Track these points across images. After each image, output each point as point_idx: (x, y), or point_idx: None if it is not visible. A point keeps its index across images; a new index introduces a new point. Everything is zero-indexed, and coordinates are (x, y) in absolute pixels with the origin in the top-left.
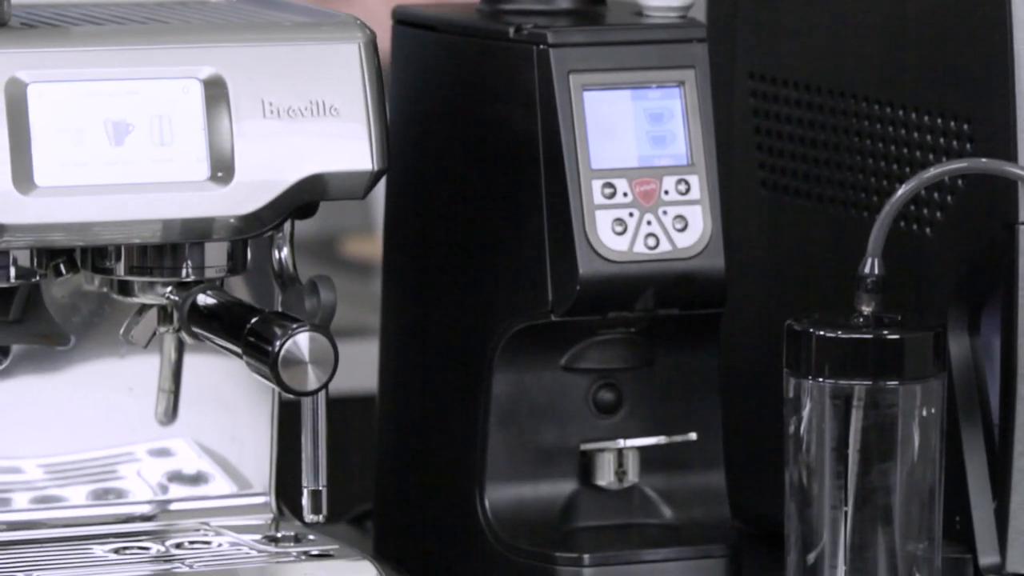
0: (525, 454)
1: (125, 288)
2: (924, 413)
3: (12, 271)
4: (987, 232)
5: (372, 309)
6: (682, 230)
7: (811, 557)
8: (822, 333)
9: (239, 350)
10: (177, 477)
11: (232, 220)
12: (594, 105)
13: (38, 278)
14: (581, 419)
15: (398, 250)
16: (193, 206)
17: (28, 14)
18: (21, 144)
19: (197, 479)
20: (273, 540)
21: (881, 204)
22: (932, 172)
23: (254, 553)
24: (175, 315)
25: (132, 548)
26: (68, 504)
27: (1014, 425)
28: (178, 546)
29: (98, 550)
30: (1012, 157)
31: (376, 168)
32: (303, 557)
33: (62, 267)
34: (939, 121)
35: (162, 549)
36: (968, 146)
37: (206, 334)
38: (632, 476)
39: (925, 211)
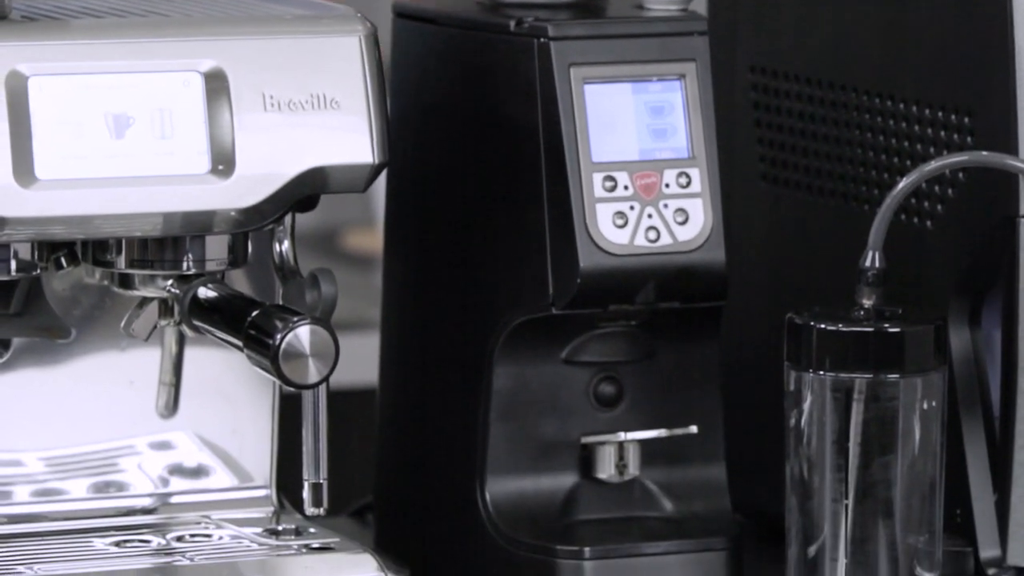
0: (526, 447)
1: (126, 281)
2: (925, 406)
3: (13, 264)
4: (988, 225)
5: (373, 302)
6: (683, 223)
7: (812, 550)
8: (823, 326)
9: (240, 343)
10: (178, 470)
11: (233, 213)
12: (595, 98)
13: (39, 271)
14: (582, 412)
15: (399, 243)
16: (194, 199)
17: (28, 7)
18: (22, 137)
19: (198, 472)
20: (274, 533)
21: (882, 197)
22: (933, 165)
23: (255, 546)
24: (176, 308)
25: (133, 541)
26: (69, 497)
27: (1015, 418)
28: (179, 539)
29: (99, 543)
30: (1012, 150)
31: (377, 161)
32: (304, 550)
33: (63, 260)
34: (940, 114)
35: (163, 542)
36: (969, 139)
37: (207, 327)
38: (633, 469)
39: (926, 204)
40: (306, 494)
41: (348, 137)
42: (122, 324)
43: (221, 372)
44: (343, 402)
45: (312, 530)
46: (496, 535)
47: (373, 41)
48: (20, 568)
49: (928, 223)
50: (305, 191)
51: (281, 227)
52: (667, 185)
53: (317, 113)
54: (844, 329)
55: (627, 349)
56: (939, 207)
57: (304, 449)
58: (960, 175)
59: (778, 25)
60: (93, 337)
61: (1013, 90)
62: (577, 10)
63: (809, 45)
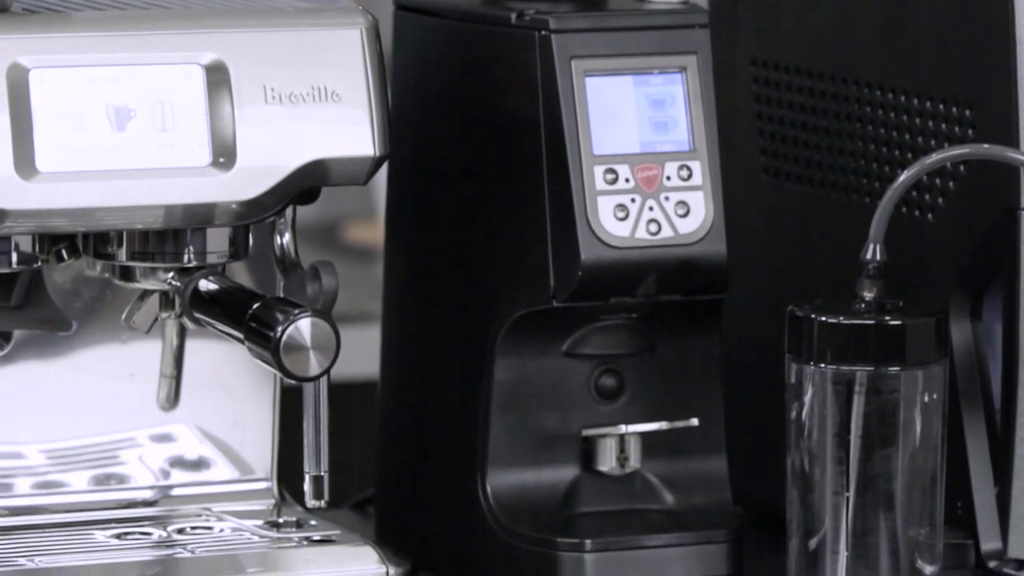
0: (527, 440)
1: (127, 274)
2: (926, 399)
3: (14, 256)
4: (989, 218)
5: (374, 295)
6: (684, 216)
7: (813, 543)
8: (824, 319)
9: (241, 336)
10: (179, 463)
11: (234, 206)
12: (596, 91)
13: (40, 263)
14: (583, 405)
15: (400, 236)
16: (195, 192)
17: (30, 0)
18: (23, 129)
19: (199, 464)
20: (275, 526)
21: (883, 190)
22: (934, 158)
23: (256, 538)
24: (177, 300)
25: (134, 533)
26: (70, 489)
27: (1016, 411)
28: (180, 531)
29: (100, 535)
30: (1014, 143)
31: (378, 154)
32: (305, 542)
33: (64, 252)
34: (941, 107)
35: (164, 534)
36: (970, 132)
37: (208, 319)
38: (634, 462)
39: (927, 197)
40: (307, 486)
41: (349, 130)
42: (123, 317)
43: (222, 365)
44: (344, 395)
45: (313, 523)
46: (497, 528)
47: (374, 34)
48: (21, 560)
49: (929, 216)
50: (306, 183)
51: (282, 219)
52: (668, 178)
53: (318, 106)
54: (845, 322)
55: (628, 342)
56: (940, 200)
57: (305, 441)
58: (961, 168)
59: (779, 18)
60: (94, 330)
61: (1014, 83)
62: (578, 3)
63: (810, 38)
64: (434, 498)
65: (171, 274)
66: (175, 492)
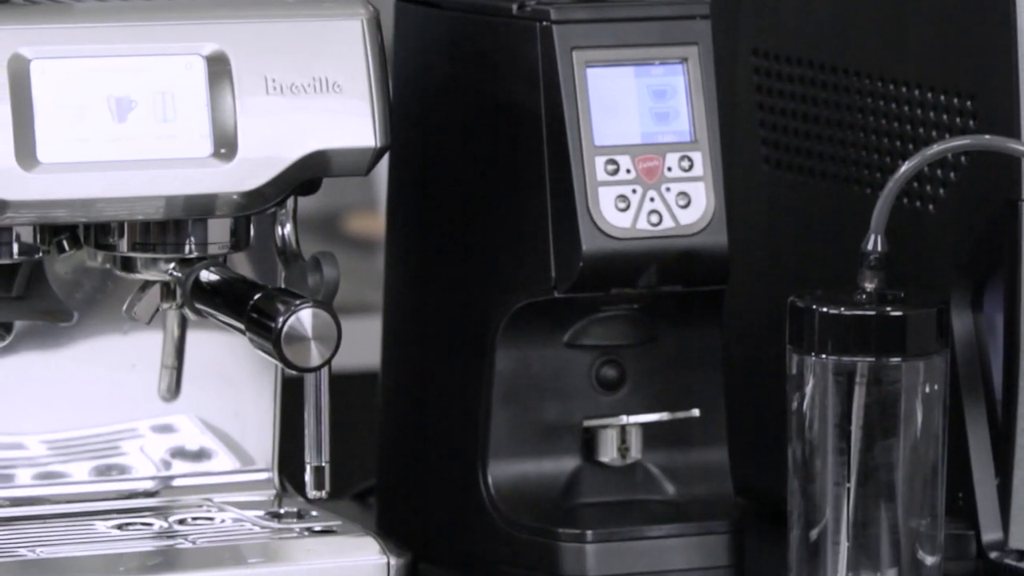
0: (528, 430)
1: (128, 264)
2: (927, 390)
3: (15, 247)
4: (990, 209)
5: (375, 285)
6: (685, 207)
7: (814, 533)
8: (825, 310)
9: (242, 326)
10: (180, 453)
11: (235, 196)
12: (597, 82)
13: (41, 254)
14: (584, 396)
15: (401, 227)
16: (196, 182)
17: None
18: (24, 120)
19: (200, 455)
20: (276, 516)
21: (884, 181)
22: (935, 149)
23: (257, 529)
24: (178, 291)
25: (135, 524)
26: (71, 480)
27: (1017, 401)
28: (181, 522)
29: (101, 526)
30: (1015, 134)
31: (379, 145)
32: (306, 533)
33: (65, 243)
34: (942, 98)
35: (165, 525)
36: (971, 123)
37: (209, 310)
38: (635, 452)
39: (928, 188)
40: (308, 477)
41: (350, 120)
42: (124, 307)
43: (223, 355)
44: (345, 385)
45: (314, 513)
46: (498, 518)
47: (375, 24)
48: (22, 551)
49: (930, 207)
50: (307, 174)
51: (283, 210)
52: (669, 169)
53: (319, 96)
54: (846, 313)
55: (629, 332)
56: (941, 191)
57: (306, 432)
58: (962, 159)
59: (780, 8)
60: (95, 320)
61: (1015, 73)
62: None
63: (811, 28)
64: (435, 489)
65: (172, 265)
66: (176, 483)
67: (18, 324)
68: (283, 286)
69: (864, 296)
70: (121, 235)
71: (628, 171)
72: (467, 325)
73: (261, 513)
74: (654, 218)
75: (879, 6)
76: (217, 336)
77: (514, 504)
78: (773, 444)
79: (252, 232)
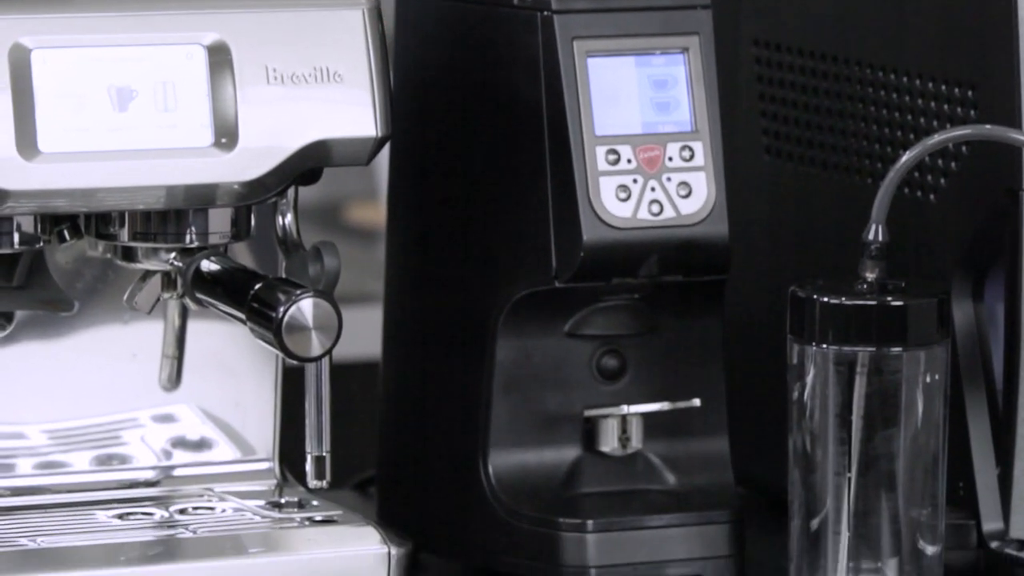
0: (529, 420)
1: (129, 254)
2: (928, 379)
3: (16, 237)
4: (991, 198)
5: (376, 275)
6: (686, 196)
7: (815, 523)
8: (826, 299)
9: (243, 316)
10: (181, 443)
11: (236, 186)
12: (598, 71)
13: (42, 244)
14: (585, 385)
15: (401, 216)
16: (197, 172)
17: None
18: (25, 110)
19: (201, 445)
20: (277, 506)
21: (885, 170)
22: (936, 139)
23: (258, 519)
24: (179, 281)
25: (136, 514)
26: (72, 470)
27: (1018, 391)
28: (182, 512)
29: (102, 516)
30: (1016, 123)
31: (380, 134)
32: (307, 523)
33: (66, 233)
34: (943, 87)
35: (166, 515)
36: (972, 112)
37: (210, 300)
38: (636, 442)
39: (929, 178)
40: (309, 467)
41: (351, 110)
42: (125, 297)
43: (224, 345)
44: (346, 375)
45: (315, 503)
46: (499, 508)
47: (376, 14)
48: (23, 540)
49: (931, 196)
50: (308, 164)
51: (284, 200)
52: (670, 158)
53: (320, 86)
54: (847, 302)
55: (630, 322)
56: (942, 180)
57: (307, 422)
58: (963, 148)
59: None
60: (96, 310)
61: (1017, 63)
62: None
63: (812, 18)
64: (436, 478)
65: (173, 254)
66: (177, 472)
67: (19, 314)
68: (284, 276)
69: (865, 286)
70: (122, 225)
71: (629, 161)
72: (468, 315)
73: (262, 503)
74: (655, 208)
75: None
76: (218, 326)
77: (515, 494)
78: (774, 434)
79: (253, 222)
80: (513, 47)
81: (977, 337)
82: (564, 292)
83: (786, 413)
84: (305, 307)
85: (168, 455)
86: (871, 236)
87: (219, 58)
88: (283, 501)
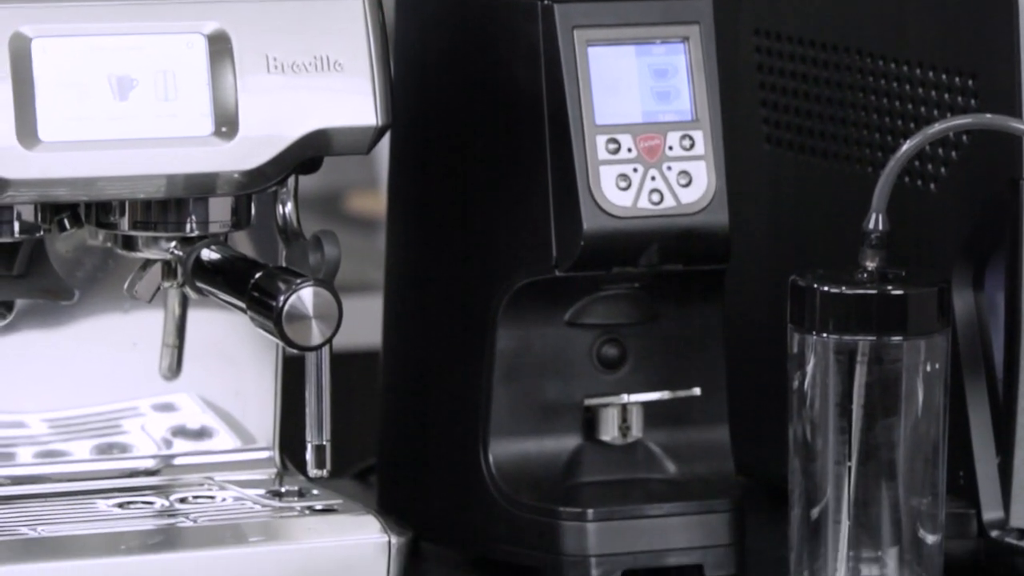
0: (529, 409)
1: (129, 243)
2: (928, 369)
3: (16, 226)
4: (991, 188)
5: (376, 264)
6: (686, 186)
7: (815, 512)
8: (826, 289)
9: (243, 305)
10: (181, 432)
11: (236, 175)
12: (598, 61)
13: (42, 233)
14: (585, 374)
15: (402, 205)
16: (197, 161)
17: None
18: (25, 99)
19: (201, 434)
20: (277, 495)
21: (885, 160)
22: (937, 128)
23: (258, 508)
24: (179, 270)
25: (136, 503)
26: (72, 459)
27: (1018, 380)
28: (182, 501)
29: (102, 504)
30: (1017, 113)
31: (380, 123)
32: (307, 512)
33: (66, 222)
34: (944, 77)
35: (166, 504)
36: (973, 102)
37: (210, 289)
38: (636, 431)
39: (929, 167)
40: (309, 456)
41: (351, 99)
42: (125, 286)
43: (224, 334)
44: (346, 364)
45: (315, 492)
46: (499, 497)
47: (377, 3)
48: (24, 529)
49: (932, 186)
50: (308, 153)
51: (284, 189)
52: (670, 148)
53: (320, 75)
54: (847, 291)
55: (630, 311)
56: (943, 170)
57: (307, 411)
58: (964, 138)
59: None
60: (96, 299)
61: (1017, 52)
62: None
63: (813, 8)
64: (436, 467)
65: (173, 243)
66: (177, 461)
67: (19, 303)
68: (284, 265)
69: (865, 275)
70: (122, 214)
71: (629, 150)
72: (468, 304)
73: (262, 492)
74: (655, 197)
75: None
76: (218, 315)
77: (515, 483)
78: (774, 423)
79: (253, 211)
80: (513, 36)
81: (977, 326)
82: (564, 281)
83: (786, 402)
84: (305, 296)
85: (168, 444)
86: (871, 225)
87: (219, 47)
88: (283, 490)
